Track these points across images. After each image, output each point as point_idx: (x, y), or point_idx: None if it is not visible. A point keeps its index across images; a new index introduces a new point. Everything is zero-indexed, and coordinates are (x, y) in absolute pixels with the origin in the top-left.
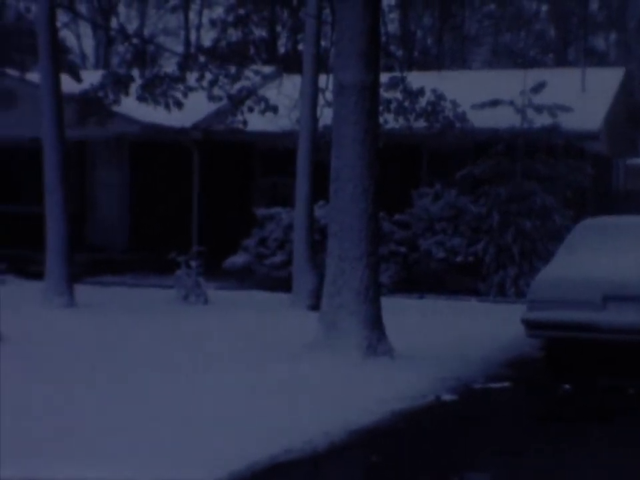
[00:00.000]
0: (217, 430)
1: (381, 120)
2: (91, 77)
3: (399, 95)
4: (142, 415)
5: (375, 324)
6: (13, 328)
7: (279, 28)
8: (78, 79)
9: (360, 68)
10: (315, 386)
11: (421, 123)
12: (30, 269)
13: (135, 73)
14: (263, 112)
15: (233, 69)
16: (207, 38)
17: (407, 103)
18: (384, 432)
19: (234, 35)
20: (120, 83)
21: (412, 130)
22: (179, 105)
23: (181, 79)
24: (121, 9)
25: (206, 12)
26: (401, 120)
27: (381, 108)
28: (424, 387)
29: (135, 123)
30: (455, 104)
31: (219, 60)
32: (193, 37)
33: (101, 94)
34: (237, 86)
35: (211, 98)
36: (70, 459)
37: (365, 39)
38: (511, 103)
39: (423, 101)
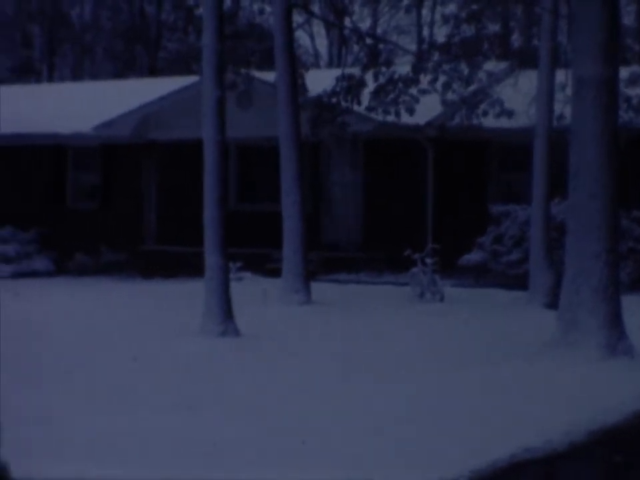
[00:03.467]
0: (458, 427)
1: (625, 117)
2: (325, 77)
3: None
4: (387, 410)
5: (615, 322)
6: (251, 324)
7: (512, 23)
8: (304, 89)
9: (598, 62)
10: (554, 384)
11: None
12: (266, 267)
13: (369, 75)
14: (497, 116)
15: (466, 71)
16: (440, 35)
17: None
18: (626, 432)
19: (467, 30)
20: (351, 91)
21: None
22: (410, 111)
23: (414, 81)
24: (355, 7)
25: (438, 8)
26: None
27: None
28: None
29: (369, 121)
30: None
31: (453, 56)
32: (425, 33)
33: (333, 100)
34: (471, 88)
35: (445, 103)
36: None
37: (604, 32)
38: None
39: None
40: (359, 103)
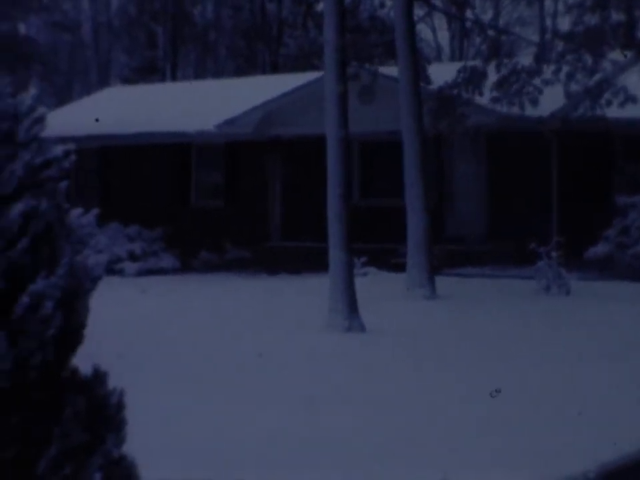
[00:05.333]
0: (589, 419)
1: None
2: (446, 70)
3: None
4: (508, 407)
5: None
6: (376, 319)
7: (637, 11)
8: (427, 82)
9: None
10: None
11: None
12: (391, 262)
13: (491, 67)
14: (621, 104)
15: (589, 60)
16: (563, 25)
17: None
18: None
19: (591, 19)
20: (473, 82)
21: None
22: (534, 102)
23: (537, 72)
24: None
25: None
26: None
27: None
28: None
29: (492, 114)
30: None
31: (576, 45)
32: (548, 24)
33: (454, 92)
34: (595, 77)
35: (568, 95)
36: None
37: None
38: None
39: None
40: (481, 94)
